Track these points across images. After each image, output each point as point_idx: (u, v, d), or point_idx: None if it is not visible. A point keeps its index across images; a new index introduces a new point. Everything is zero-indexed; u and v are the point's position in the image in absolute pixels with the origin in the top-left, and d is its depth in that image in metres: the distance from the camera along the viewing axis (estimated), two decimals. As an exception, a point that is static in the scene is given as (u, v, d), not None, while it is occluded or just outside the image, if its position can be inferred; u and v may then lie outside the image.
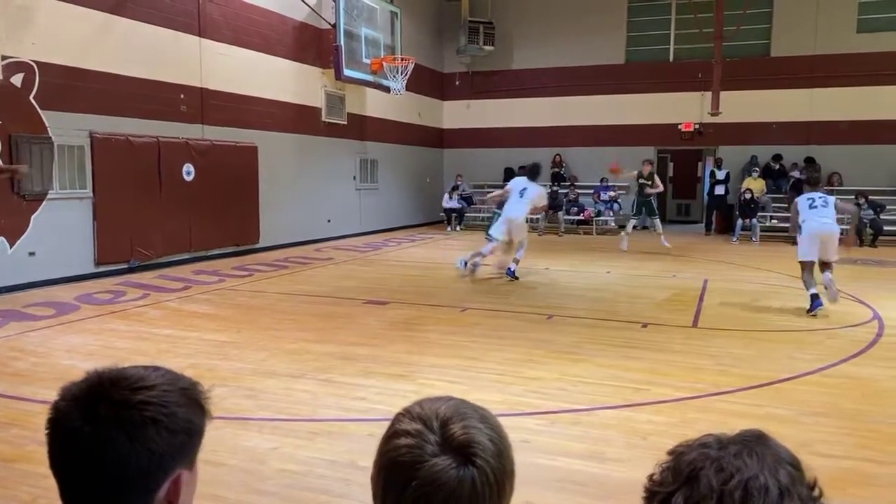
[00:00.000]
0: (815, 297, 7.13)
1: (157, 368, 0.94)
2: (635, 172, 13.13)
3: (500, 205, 9.85)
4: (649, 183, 12.87)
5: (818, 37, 16.12)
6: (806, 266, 7.38)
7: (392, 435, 0.87)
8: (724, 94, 15.40)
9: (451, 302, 7.80)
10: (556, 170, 18.31)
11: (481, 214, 18.49)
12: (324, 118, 13.99)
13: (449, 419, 0.86)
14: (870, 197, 14.29)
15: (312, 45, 13.38)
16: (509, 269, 9.29)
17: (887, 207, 14.71)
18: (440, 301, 7.90)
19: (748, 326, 6.67)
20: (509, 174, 18.94)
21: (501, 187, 10.37)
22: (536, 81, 18.48)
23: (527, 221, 9.69)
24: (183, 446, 0.90)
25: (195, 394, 0.94)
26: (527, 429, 3.87)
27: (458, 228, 17.42)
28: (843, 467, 3.43)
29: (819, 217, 7.29)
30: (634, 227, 13.33)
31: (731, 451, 0.78)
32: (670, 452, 0.82)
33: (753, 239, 14.97)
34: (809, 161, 15.85)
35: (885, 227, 14.25)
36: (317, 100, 13.77)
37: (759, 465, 0.76)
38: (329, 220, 14.29)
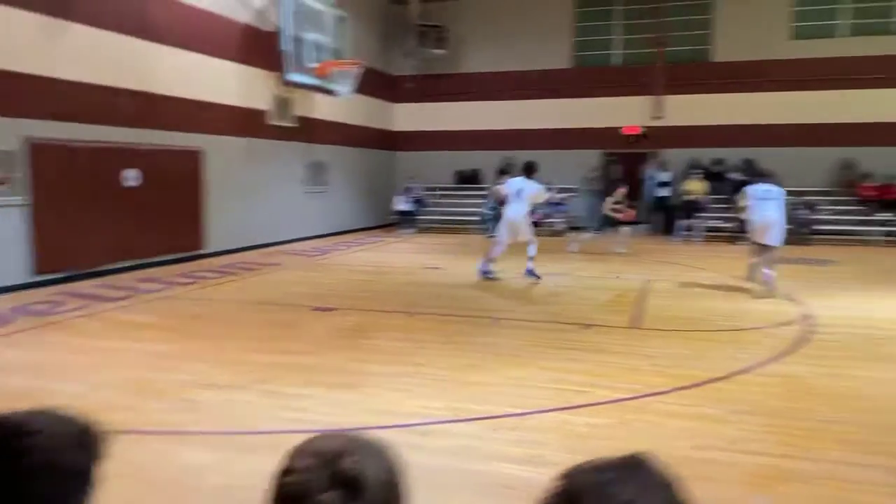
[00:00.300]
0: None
1: (44, 412, 0.94)
2: (611, 200, 13.65)
3: (501, 203, 10.20)
4: (621, 206, 13.42)
5: (756, 43, 16.71)
6: (753, 250, 8.71)
7: (284, 471, 0.90)
8: (667, 98, 15.81)
9: (400, 307, 7.81)
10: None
11: (435, 217, 18.53)
12: (272, 121, 13.83)
13: (340, 455, 0.89)
14: (804, 198, 14.89)
15: (259, 48, 13.20)
16: (529, 269, 9.57)
17: (817, 207, 15.33)
18: (389, 306, 7.89)
19: (687, 327, 6.87)
20: (461, 177, 19.14)
21: (497, 188, 10.57)
22: (488, 85, 18.65)
23: (528, 219, 9.89)
24: (72, 490, 0.91)
25: (86, 437, 0.94)
26: (467, 434, 3.91)
27: (410, 231, 17.39)
28: (769, 464, 3.56)
29: (763, 210, 8.49)
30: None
31: (612, 476, 0.84)
32: (559, 476, 0.87)
33: (695, 239, 15.41)
34: (748, 162, 16.40)
35: (818, 227, 14.84)
36: (264, 103, 13.60)
37: (636, 491, 0.82)
38: (274, 223, 14.05)
